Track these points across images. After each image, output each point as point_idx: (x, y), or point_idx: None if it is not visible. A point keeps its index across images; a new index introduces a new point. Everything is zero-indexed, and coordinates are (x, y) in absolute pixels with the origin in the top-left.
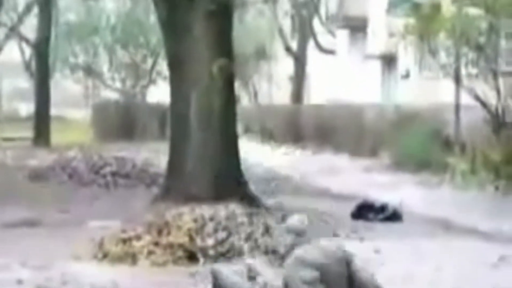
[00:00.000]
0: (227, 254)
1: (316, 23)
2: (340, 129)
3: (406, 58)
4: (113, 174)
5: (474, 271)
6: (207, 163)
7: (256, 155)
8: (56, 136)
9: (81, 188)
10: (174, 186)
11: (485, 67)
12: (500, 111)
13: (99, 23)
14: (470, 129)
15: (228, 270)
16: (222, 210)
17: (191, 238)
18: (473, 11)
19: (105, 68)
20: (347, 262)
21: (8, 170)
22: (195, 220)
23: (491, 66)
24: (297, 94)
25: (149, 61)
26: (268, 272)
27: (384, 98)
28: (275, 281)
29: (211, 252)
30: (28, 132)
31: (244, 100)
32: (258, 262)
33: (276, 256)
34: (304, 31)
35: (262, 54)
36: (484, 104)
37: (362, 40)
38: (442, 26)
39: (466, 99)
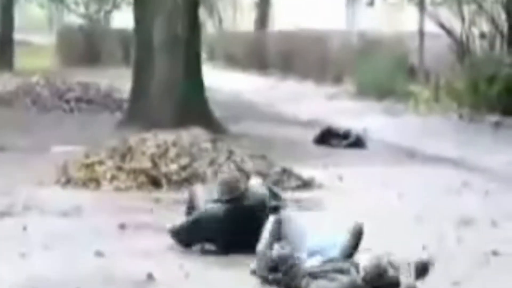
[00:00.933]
0: (190, 179)
1: None
2: (305, 56)
3: None
4: (77, 99)
5: (438, 198)
6: (170, 89)
7: (220, 81)
8: (20, 61)
9: (45, 113)
10: (138, 112)
11: None
12: (464, 39)
13: None
14: (434, 57)
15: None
16: (185, 136)
17: (154, 164)
18: None
19: None
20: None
21: None
22: (158, 146)
23: None
24: (262, 21)
25: None
26: None
27: (348, 25)
28: None
29: (174, 177)
30: None
31: (208, 27)
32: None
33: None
34: None
35: None
36: (448, 32)
37: None
38: None
39: (430, 26)
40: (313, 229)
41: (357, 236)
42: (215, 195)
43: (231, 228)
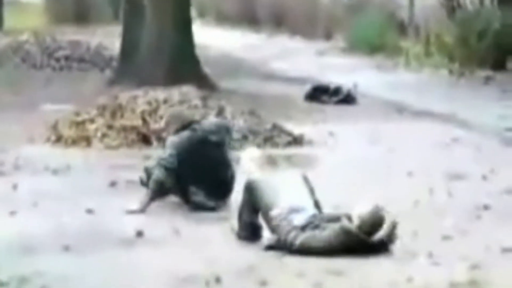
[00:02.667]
0: None
1: None
2: (295, 12)
3: None
4: (67, 57)
5: (428, 153)
6: (160, 47)
7: (210, 39)
8: (10, 20)
9: (35, 71)
10: (128, 70)
11: None
12: None
13: None
14: (424, 12)
15: None
16: (175, 93)
17: (145, 121)
18: None
19: None
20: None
21: None
22: (148, 103)
23: None
24: None
25: None
26: None
27: None
28: None
29: (165, 134)
30: None
31: None
32: None
33: (231, 137)
34: None
35: None
36: None
37: None
38: None
39: None
40: (286, 188)
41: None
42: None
43: (190, 156)
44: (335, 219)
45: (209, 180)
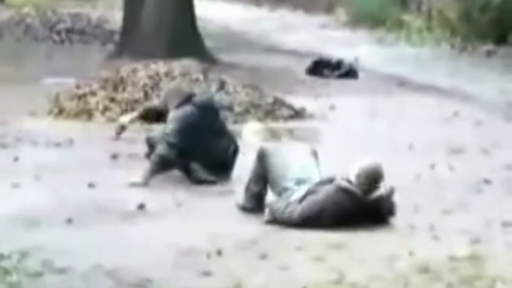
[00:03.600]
0: None
1: None
2: None
3: None
4: (68, 30)
5: (429, 127)
6: (162, 20)
7: (211, 12)
8: None
9: (36, 44)
10: (129, 43)
11: None
12: None
13: None
14: None
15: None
16: (177, 66)
17: (146, 94)
18: None
19: None
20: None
21: None
22: (150, 76)
23: None
24: None
25: None
26: None
27: None
28: None
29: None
30: None
31: None
32: None
33: (231, 112)
34: None
35: None
36: None
37: None
38: None
39: None
40: (298, 159)
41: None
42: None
43: (193, 130)
44: (330, 180)
45: (212, 154)
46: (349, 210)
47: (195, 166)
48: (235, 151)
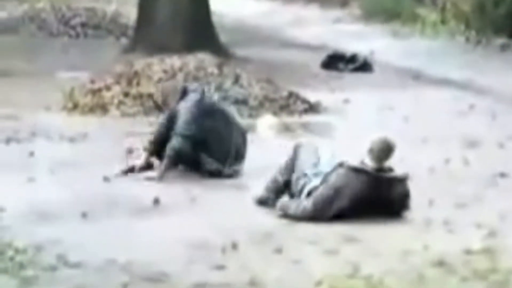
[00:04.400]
0: None
1: None
2: None
3: None
4: (83, 25)
5: (444, 120)
6: (177, 14)
7: (226, 6)
8: None
9: (51, 39)
10: (144, 37)
11: None
12: None
13: None
14: None
15: None
16: (191, 60)
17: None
18: None
19: None
20: None
21: None
22: (164, 71)
23: None
24: None
25: None
26: None
27: None
28: None
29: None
30: None
31: None
32: None
33: (246, 106)
34: None
35: None
36: None
37: None
38: None
39: None
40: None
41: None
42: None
43: (204, 120)
44: (340, 165)
45: (224, 146)
46: (362, 191)
47: (206, 158)
48: (245, 141)
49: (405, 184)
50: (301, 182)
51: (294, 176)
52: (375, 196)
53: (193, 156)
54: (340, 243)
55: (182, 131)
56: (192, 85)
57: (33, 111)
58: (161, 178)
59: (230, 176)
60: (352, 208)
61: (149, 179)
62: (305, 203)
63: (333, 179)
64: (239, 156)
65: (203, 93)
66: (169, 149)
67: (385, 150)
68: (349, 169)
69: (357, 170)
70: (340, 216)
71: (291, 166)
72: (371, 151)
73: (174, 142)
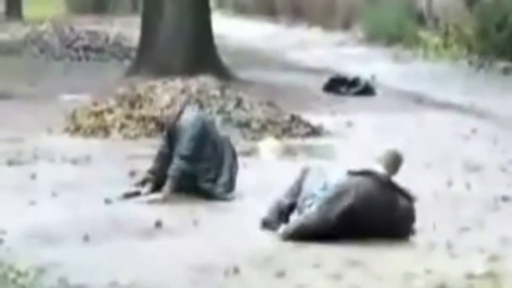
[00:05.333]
0: None
1: None
2: (313, 2)
3: None
4: (85, 48)
5: (446, 143)
6: (179, 37)
7: (229, 29)
8: (29, 9)
9: (53, 62)
10: (146, 60)
11: None
12: None
13: None
14: (443, 3)
15: None
16: (194, 83)
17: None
18: None
19: None
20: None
21: None
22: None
23: None
24: None
25: None
26: None
27: None
28: None
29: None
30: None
31: None
32: None
33: (248, 129)
34: None
35: None
36: None
37: None
38: None
39: None
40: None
41: None
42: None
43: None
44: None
45: (221, 167)
46: (371, 192)
47: (209, 185)
48: (235, 158)
49: (411, 201)
50: (308, 202)
51: (300, 198)
52: (382, 201)
53: (192, 175)
54: (343, 266)
55: (184, 152)
56: (188, 105)
57: (35, 133)
58: (165, 200)
59: (222, 194)
60: (357, 210)
61: (153, 201)
62: (307, 210)
63: (335, 181)
64: (232, 174)
65: (201, 113)
66: (174, 170)
67: (394, 161)
68: (359, 172)
69: (368, 173)
70: (346, 217)
71: (297, 189)
72: (380, 161)
73: (177, 163)
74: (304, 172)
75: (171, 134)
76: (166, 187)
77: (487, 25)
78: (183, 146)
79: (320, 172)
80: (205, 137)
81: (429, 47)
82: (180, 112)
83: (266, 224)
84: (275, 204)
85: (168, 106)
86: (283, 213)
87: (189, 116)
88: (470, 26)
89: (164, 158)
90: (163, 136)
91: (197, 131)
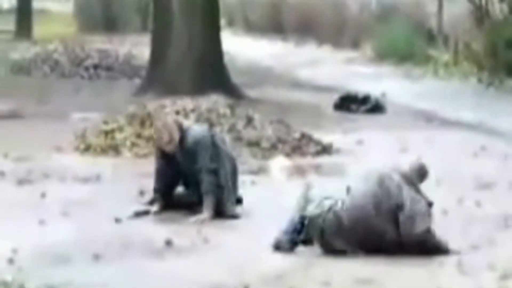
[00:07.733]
0: None
1: None
2: (323, 20)
3: None
4: (95, 66)
5: (456, 161)
6: (189, 55)
7: (239, 47)
8: (39, 29)
9: (63, 80)
10: (156, 78)
11: None
12: (483, 2)
13: None
14: (453, 21)
15: None
16: (204, 102)
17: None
18: None
19: None
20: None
21: None
22: (177, 112)
23: None
24: None
25: None
26: None
27: None
28: None
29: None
30: (10, 26)
31: None
32: None
33: (258, 147)
34: None
35: None
36: None
37: None
38: None
39: None
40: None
41: None
42: None
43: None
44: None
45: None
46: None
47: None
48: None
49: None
50: (327, 202)
51: (312, 205)
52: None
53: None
54: (353, 284)
55: (212, 166)
56: (186, 122)
57: (45, 152)
58: (211, 217)
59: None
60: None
61: (199, 221)
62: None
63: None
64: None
65: (208, 128)
66: (206, 187)
67: (421, 173)
68: (404, 176)
69: (406, 178)
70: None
71: (303, 203)
72: (408, 171)
73: (211, 179)
74: (307, 186)
75: (177, 155)
76: (208, 204)
77: (497, 43)
78: (205, 160)
79: (324, 186)
80: (217, 150)
81: (439, 65)
82: (182, 137)
83: (278, 247)
84: (289, 225)
85: (168, 142)
86: (295, 230)
87: (196, 133)
88: (480, 43)
89: (166, 176)
90: (158, 155)
91: (209, 144)
